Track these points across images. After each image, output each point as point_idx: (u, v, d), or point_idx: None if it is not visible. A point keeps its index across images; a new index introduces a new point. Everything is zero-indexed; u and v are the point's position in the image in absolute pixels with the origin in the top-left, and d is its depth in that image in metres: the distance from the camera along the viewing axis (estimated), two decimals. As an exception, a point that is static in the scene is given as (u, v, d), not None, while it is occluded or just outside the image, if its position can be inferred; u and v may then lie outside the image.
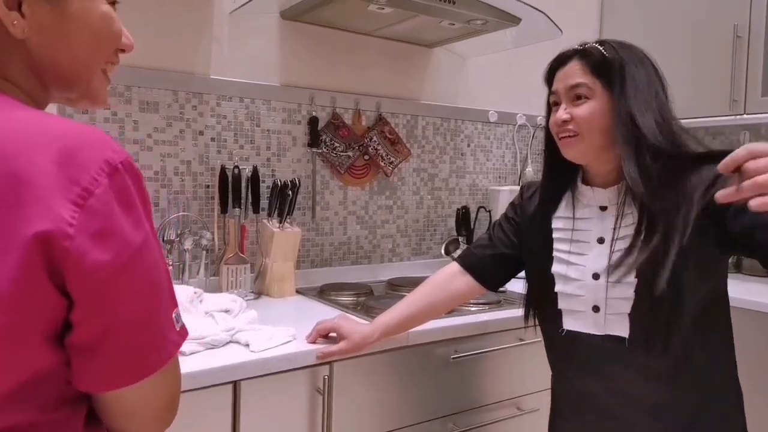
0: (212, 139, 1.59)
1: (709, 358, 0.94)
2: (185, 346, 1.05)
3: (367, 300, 1.51)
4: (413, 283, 1.71)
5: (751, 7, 1.94)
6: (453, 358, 1.32)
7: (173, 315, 0.56)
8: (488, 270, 1.14)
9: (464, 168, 2.11)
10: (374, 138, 1.86)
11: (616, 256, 0.94)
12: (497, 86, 2.16)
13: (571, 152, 1.00)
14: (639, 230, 0.92)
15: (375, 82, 1.88)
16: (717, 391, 0.96)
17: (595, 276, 0.97)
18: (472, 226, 2.01)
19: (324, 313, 1.39)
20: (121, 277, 0.49)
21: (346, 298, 1.55)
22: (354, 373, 1.19)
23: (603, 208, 1.00)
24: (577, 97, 0.97)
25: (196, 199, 1.56)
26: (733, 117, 2.00)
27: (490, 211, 2.03)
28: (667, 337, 0.91)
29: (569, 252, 1.01)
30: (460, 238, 1.94)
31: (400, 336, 1.20)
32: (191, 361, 1.03)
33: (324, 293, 1.59)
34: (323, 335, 1.16)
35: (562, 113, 0.98)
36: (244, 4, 1.56)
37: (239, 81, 1.62)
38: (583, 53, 0.98)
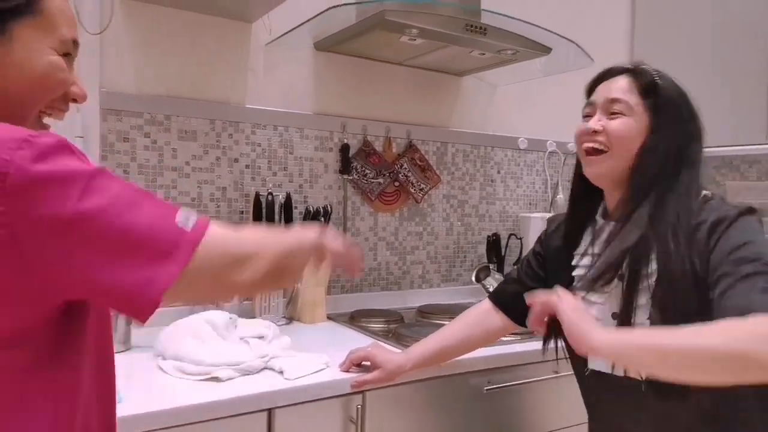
0: (247, 166, 1.62)
1: (739, 418, 0.87)
2: (221, 372, 1.06)
3: (398, 327, 1.50)
4: (443, 310, 1.71)
5: (786, 34, 1.92)
6: (486, 389, 1.30)
7: (176, 220, 0.58)
8: (519, 306, 1.10)
9: (494, 194, 2.10)
10: (404, 165, 1.87)
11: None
12: (527, 113, 2.16)
13: (595, 169, 0.95)
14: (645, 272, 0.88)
15: (405, 109, 1.90)
16: None
17: (614, 316, 0.93)
18: (503, 253, 1.99)
19: (355, 340, 1.39)
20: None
21: (377, 325, 1.55)
22: (387, 402, 1.18)
23: None
24: (614, 112, 0.93)
25: (231, 222, 1.59)
26: (770, 144, 1.96)
27: (521, 239, 2.01)
28: (685, 386, 0.82)
29: (588, 291, 0.98)
30: (491, 266, 1.93)
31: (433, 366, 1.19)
32: (227, 387, 1.04)
33: (355, 320, 1.59)
34: (356, 364, 1.16)
35: (594, 122, 0.93)
36: (279, 37, 1.60)
37: (273, 110, 1.66)
38: (634, 72, 0.95)
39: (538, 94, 2.16)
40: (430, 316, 1.67)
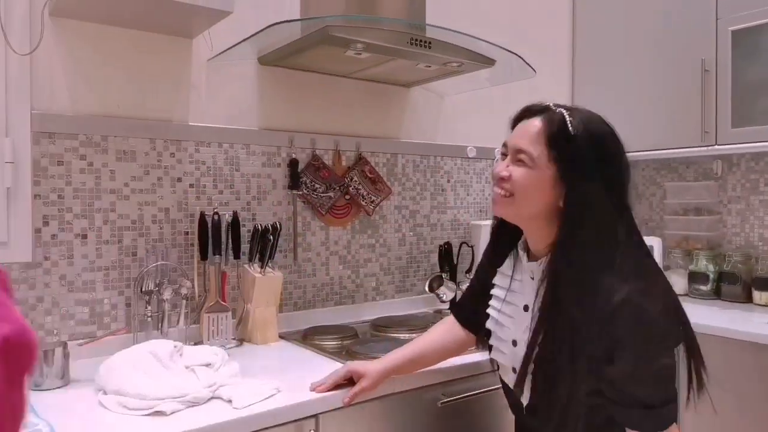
0: (191, 185, 1.58)
1: None
2: (165, 406, 1.03)
3: (352, 344, 1.49)
4: (398, 323, 1.71)
5: (716, 43, 2.01)
6: (441, 403, 1.30)
7: None
8: (480, 318, 1.12)
9: (445, 204, 2.12)
10: (355, 177, 1.86)
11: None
12: (475, 122, 2.19)
13: (499, 211, 0.99)
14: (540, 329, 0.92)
15: (354, 122, 1.89)
16: None
17: (514, 343, 1.00)
18: (455, 262, 2.01)
19: (308, 361, 1.37)
20: None
21: (331, 342, 1.53)
22: (340, 424, 1.17)
23: (532, 278, 0.99)
24: (519, 160, 0.94)
25: (175, 246, 1.54)
26: (705, 148, 2.05)
27: (472, 246, 2.03)
28: (563, 416, 0.90)
29: (500, 312, 1.04)
30: (444, 275, 1.94)
31: (385, 384, 1.19)
32: (173, 422, 1.00)
33: (307, 338, 1.56)
34: (339, 383, 1.15)
35: (502, 168, 0.96)
36: (221, 52, 1.57)
37: (218, 126, 1.62)
38: (548, 115, 0.93)
39: (485, 104, 2.19)
40: (384, 330, 1.66)
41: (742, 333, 1.68)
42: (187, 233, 1.57)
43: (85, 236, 1.42)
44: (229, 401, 1.08)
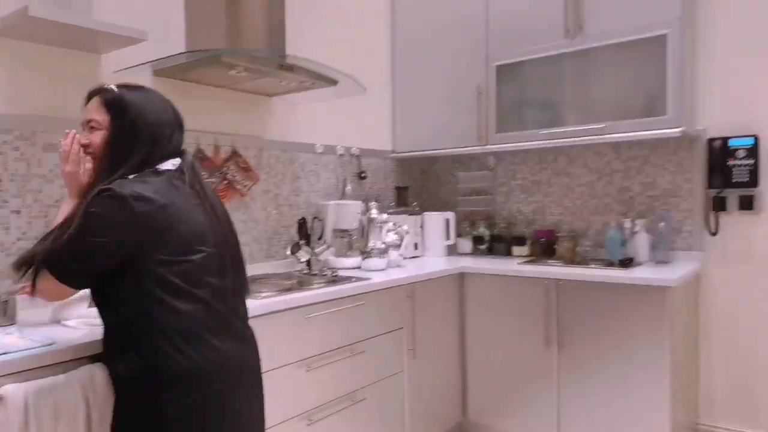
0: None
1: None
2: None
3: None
4: (261, 280, 2.27)
5: (486, 74, 2.90)
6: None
7: None
8: None
9: (300, 188, 2.72)
10: (231, 167, 2.38)
11: None
12: (322, 125, 2.82)
13: None
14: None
15: (229, 123, 2.40)
16: None
17: None
18: (309, 232, 2.62)
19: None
20: None
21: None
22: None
23: None
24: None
25: (92, 220, 1.93)
26: (480, 147, 2.94)
27: (322, 220, 2.66)
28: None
29: None
30: (301, 242, 2.54)
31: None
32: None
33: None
34: None
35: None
36: (125, 69, 1.98)
37: (122, 125, 2.03)
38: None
39: (329, 111, 2.83)
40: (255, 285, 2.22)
41: (507, 270, 2.56)
42: (99, 210, 1.95)
43: (18, 212, 1.75)
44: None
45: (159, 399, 1.16)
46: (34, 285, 1.20)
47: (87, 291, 1.34)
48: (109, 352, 1.25)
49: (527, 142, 2.79)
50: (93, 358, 1.30)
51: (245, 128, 2.47)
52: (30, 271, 1.20)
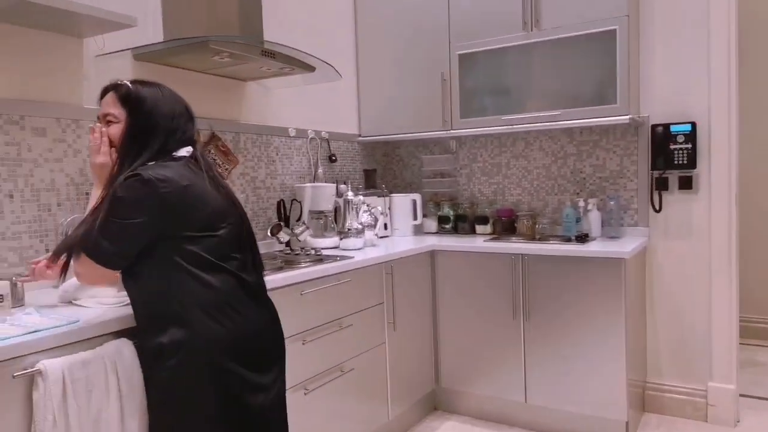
0: (88, 156, 1.97)
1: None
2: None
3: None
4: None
5: (450, 62, 3.05)
6: (303, 294, 2.02)
7: None
8: None
9: (276, 171, 2.78)
10: (212, 150, 2.42)
11: None
12: (295, 110, 2.89)
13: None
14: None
15: (208, 107, 2.43)
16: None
17: None
18: (288, 214, 2.70)
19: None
20: None
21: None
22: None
23: None
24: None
25: (79, 202, 1.93)
26: (445, 132, 3.10)
27: (300, 202, 2.75)
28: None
29: None
30: (281, 223, 2.62)
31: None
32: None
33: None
34: None
35: None
36: (107, 53, 1.99)
37: (107, 109, 2.03)
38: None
39: (301, 96, 2.90)
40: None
41: (475, 247, 2.74)
42: (87, 193, 1.96)
43: (11, 196, 1.75)
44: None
45: (198, 363, 1.25)
46: (65, 268, 1.27)
47: None
48: (144, 326, 1.32)
49: (489, 127, 2.96)
50: (117, 334, 1.37)
51: (222, 112, 2.51)
52: (67, 256, 1.28)
